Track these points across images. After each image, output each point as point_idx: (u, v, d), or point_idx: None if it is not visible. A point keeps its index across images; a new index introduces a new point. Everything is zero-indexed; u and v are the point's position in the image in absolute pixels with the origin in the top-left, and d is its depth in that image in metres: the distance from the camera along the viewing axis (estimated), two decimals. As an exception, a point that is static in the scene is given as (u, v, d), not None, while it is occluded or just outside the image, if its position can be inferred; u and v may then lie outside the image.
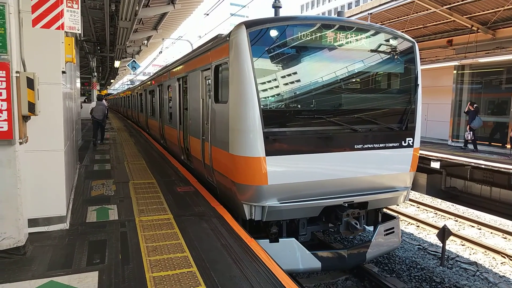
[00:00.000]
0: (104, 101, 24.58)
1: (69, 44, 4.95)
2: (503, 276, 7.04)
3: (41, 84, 4.23)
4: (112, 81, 46.46)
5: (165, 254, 4.09)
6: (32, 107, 3.98)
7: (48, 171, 4.60)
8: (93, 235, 4.66)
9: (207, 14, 19.85)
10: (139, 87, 20.88)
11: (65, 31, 4.60)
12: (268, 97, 5.38)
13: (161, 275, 3.61)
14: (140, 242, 4.42)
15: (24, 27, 4.13)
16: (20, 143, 3.92)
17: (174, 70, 10.33)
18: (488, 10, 12.52)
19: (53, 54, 4.53)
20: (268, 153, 5.17)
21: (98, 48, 20.09)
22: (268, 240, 5.59)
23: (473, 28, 13.66)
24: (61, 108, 4.67)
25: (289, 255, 5.58)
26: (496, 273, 7.15)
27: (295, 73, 5.60)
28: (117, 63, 20.47)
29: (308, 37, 5.48)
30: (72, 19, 4.76)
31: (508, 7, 11.81)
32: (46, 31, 4.27)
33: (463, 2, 12.24)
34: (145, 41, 20.67)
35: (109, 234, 4.68)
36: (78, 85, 13.23)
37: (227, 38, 5.63)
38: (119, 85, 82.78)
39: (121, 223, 5.08)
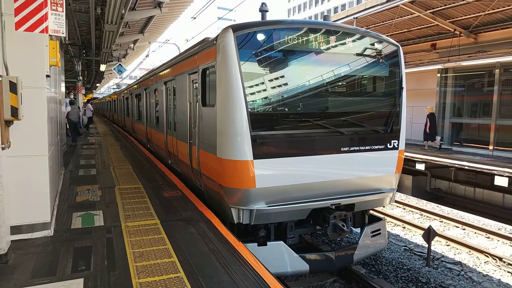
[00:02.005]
0: (89, 105, 24.20)
1: (53, 48, 4.88)
2: (487, 275, 7.17)
3: (24, 88, 4.16)
4: (98, 85, 45.88)
5: (152, 260, 4.05)
6: (15, 112, 3.91)
7: (31, 176, 4.51)
8: (78, 241, 4.58)
9: (194, 18, 19.83)
10: (125, 91, 20.69)
11: (49, 35, 4.54)
12: (255, 100, 5.40)
13: (148, 281, 3.57)
14: (126, 248, 4.37)
15: (7, 30, 4.06)
16: (3, 148, 3.85)
17: (160, 73, 10.27)
18: (470, 14, 12.84)
19: (37, 58, 4.46)
20: (256, 156, 5.18)
21: (84, 51, 19.81)
22: (256, 243, 5.59)
23: (455, 32, 13.97)
24: (45, 113, 4.60)
25: (277, 258, 5.58)
26: (480, 272, 7.28)
27: (282, 76, 5.63)
28: (102, 67, 20.24)
29: (295, 41, 5.53)
30: (57, 22, 4.70)
31: (488, 12, 12.13)
32: (29, 34, 4.20)
33: (446, 6, 12.52)
34: (132, 45, 20.48)
35: (95, 240, 4.61)
36: (63, 89, 13.02)
37: (214, 42, 5.64)
38: (105, 89, 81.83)
39: (107, 229, 5.01)
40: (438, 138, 14.61)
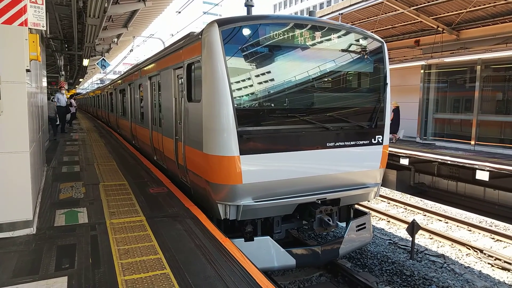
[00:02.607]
0: (73, 100, 23.74)
1: (33, 41, 4.74)
2: (468, 267, 7.36)
3: (3, 83, 4.05)
4: (81, 80, 45.00)
5: (137, 257, 4.01)
6: (-7, 107, 3.80)
7: (12, 173, 4.40)
8: (62, 239, 4.50)
9: (179, 12, 19.62)
10: (109, 86, 20.37)
11: (29, 28, 4.42)
12: (241, 96, 5.37)
13: (134, 278, 3.54)
14: (111, 245, 4.31)
15: (-16, 23, 3.93)
16: (-19, 145, 3.73)
17: (145, 68, 10.13)
18: (452, 11, 13.05)
19: (16, 52, 4.32)
20: (242, 152, 5.17)
21: (66, 46, 19.39)
22: (243, 239, 5.59)
23: (438, 29, 14.19)
24: (26, 108, 4.48)
25: (264, 253, 5.60)
26: (461, 264, 7.46)
27: (268, 72, 5.62)
28: (85, 62, 19.84)
29: (280, 36, 5.51)
30: (37, 15, 4.59)
31: (470, 9, 12.35)
32: (8, 27, 4.08)
33: (429, 3, 12.70)
34: (115, 39, 20.14)
35: (79, 238, 4.54)
36: (45, 84, 12.73)
37: (200, 36, 5.58)
38: (88, 84, 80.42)
39: (91, 226, 4.94)
40: (401, 132, 15.42)
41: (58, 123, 16.53)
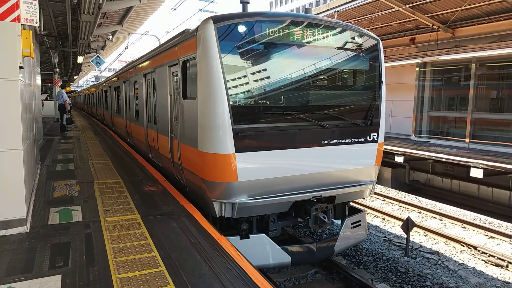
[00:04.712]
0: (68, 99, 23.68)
1: (26, 38, 4.69)
2: (462, 263, 7.41)
3: (-5, 80, 4.00)
4: (75, 77, 44.68)
5: (132, 255, 3.99)
6: (-15, 104, 3.75)
7: (5, 171, 4.36)
8: (56, 237, 4.47)
9: (175, 9, 19.53)
10: (104, 84, 20.24)
11: (22, 24, 4.37)
12: (237, 93, 5.36)
13: (128, 276, 3.52)
14: (105, 243, 4.29)
15: (-24, 19, 3.88)
16: (-27, 143, 3.69)
17: (140, 65, 10.07)
18: (448, 9, 13.09)
19: (9, 48, 4.27)
20: (238, 149, 5.16)
21: (60, 43, 19.25)
22: (239, 236, 5.59)
23: (434, 26, 14.23)
24: (19, 105, 4.43)
25: (259, 251, 5.60)
26: (456, 261, 7.51)
27: (264, 69, 5.61)
28: (80, 59, 19.69)
29: (276, 33, 5.50)
30: (29, 11, 4.53)
31: (465, 7, 12.39)
32: (0, 23, 4.03)
33: (425, 1, 12.72)
34: (110, 36, 20.01)
35: (73, 236, 4.51)
36: (39, 81, 12.62)
37: (195, 33, 5.55)
38: (83, 82, 79.94)
39: (86, 224, 4.91)
40: None
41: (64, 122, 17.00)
